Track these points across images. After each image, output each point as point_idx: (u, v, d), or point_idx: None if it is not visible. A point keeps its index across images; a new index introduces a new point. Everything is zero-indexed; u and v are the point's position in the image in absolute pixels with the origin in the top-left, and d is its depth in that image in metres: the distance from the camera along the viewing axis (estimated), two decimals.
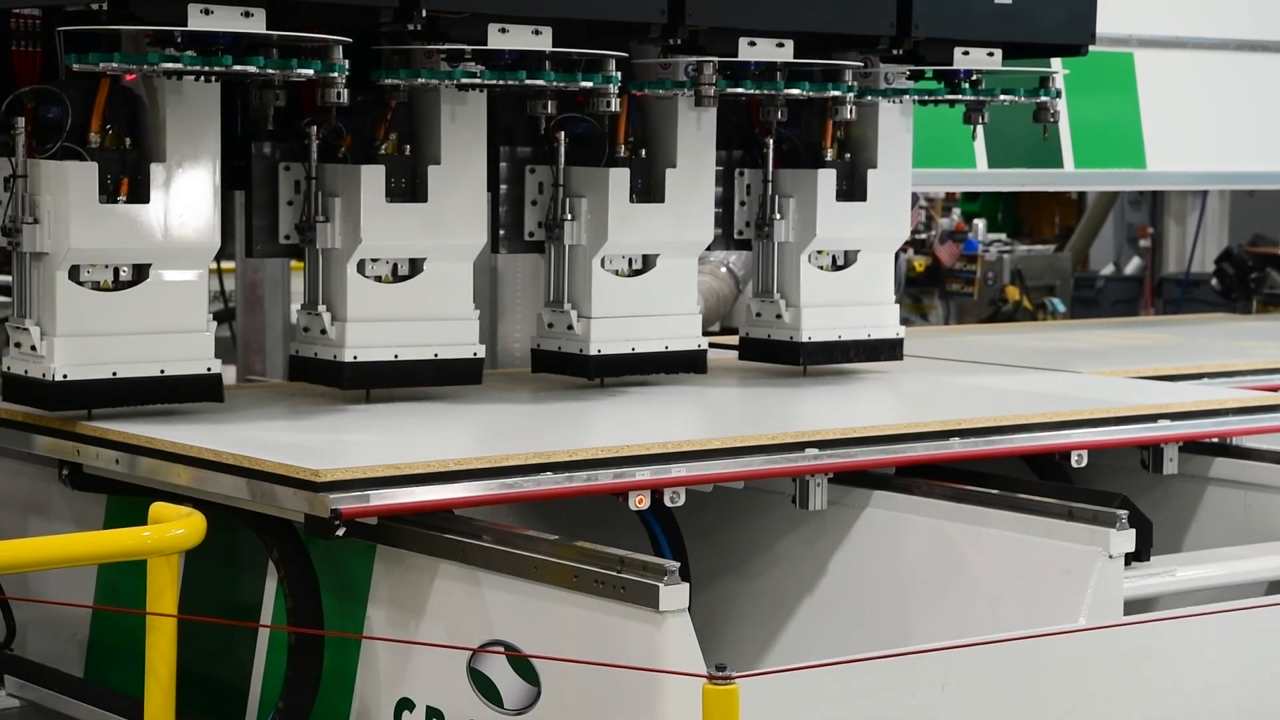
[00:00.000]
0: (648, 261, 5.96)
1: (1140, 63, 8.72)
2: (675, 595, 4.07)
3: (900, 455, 5.29)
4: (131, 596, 4.90)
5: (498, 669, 4.37)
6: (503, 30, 5.14)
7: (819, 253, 6.26)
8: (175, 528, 4.24)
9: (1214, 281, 13.01)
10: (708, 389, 6.09)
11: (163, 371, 5.16)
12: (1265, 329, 8.91)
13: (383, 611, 4.67)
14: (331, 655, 4.78)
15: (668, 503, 4.90)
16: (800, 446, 5.15)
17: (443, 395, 5.67)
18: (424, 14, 4.99)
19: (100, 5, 4.64)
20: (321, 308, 5.50)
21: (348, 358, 5.47)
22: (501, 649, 4.36)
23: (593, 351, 5.84)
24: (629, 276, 5.93)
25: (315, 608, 4.74)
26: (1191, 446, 5.89)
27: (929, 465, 5.36)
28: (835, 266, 6.32)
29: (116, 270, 5.14)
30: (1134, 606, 4.80)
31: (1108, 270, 18.44)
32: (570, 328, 5.86)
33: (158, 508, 4.34)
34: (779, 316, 6.25)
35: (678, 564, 4.11)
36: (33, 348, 5.07)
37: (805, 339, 6.22)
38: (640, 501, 4.84)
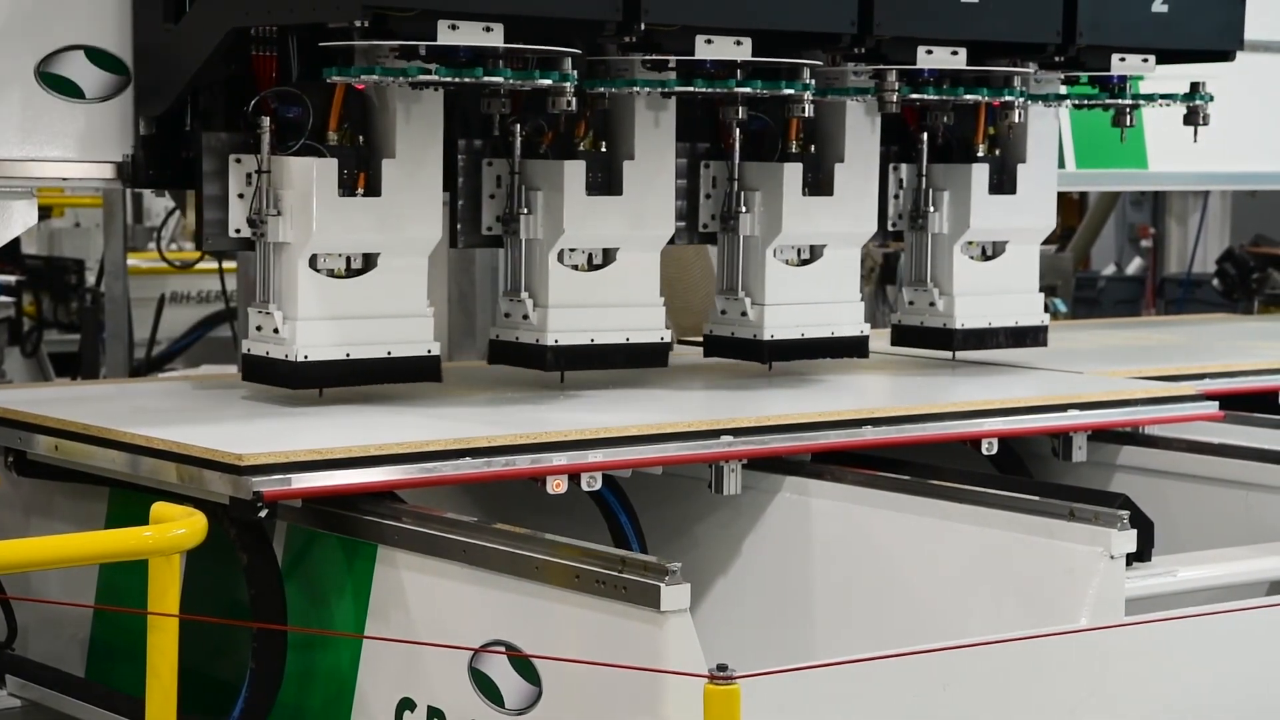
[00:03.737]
0: (814, 252, 6.19)
1: None
2: (677, 595, 4.07)
3: (813, 443, 5.48)
4: (133, 596, 4.90)
5: (499, 669, 4.37)
6: (708, 41, 5.40)
7: (970, 243, 6.49)
8: (177, 527, 4.24)
9: (1216, 282, 12.99)
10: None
11: (389, 353, 5.46)
12: (1267, 329, 8.91)
13: (384, 611, 4.67)
14: (332, 655, 4.79)
15: (584, 487, 5.06)
16: (716, 434, 5.34)
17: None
18: (643, 27, 5.21)
19: (363, 24, 4.91)
20: (524, 294, 5.74)
21: (550, 341, 5.73)
22: (503, 649, 4.36)
23: (766, 337, 6.08)
24: (798, 266, 6.16)
25: (278, 598, 4.80)
26: (1101, 435, 6.06)
27: (846, 452, 5.53)
28: (984, 256, 6.57)
29: (348, 259, 5.43)
30: (1136, 607, 4.80)
31: (1109, 270, 18.42)
32: (744, 314, 6.09)
33: (159, 507, 4.33)
34: (932, 305, 6.50)
35: (678, 564, 4.12)
36: (275, 330, 5.36)
37: (959, 326, 6.47)
38: (558, 486, 5.00)
